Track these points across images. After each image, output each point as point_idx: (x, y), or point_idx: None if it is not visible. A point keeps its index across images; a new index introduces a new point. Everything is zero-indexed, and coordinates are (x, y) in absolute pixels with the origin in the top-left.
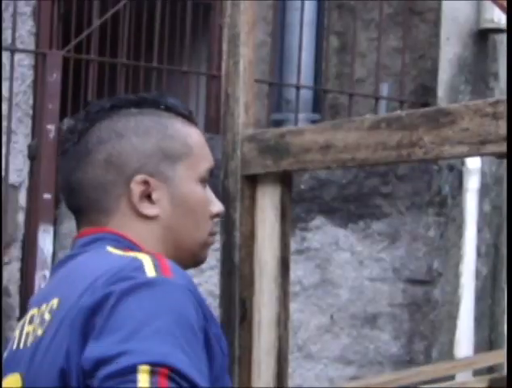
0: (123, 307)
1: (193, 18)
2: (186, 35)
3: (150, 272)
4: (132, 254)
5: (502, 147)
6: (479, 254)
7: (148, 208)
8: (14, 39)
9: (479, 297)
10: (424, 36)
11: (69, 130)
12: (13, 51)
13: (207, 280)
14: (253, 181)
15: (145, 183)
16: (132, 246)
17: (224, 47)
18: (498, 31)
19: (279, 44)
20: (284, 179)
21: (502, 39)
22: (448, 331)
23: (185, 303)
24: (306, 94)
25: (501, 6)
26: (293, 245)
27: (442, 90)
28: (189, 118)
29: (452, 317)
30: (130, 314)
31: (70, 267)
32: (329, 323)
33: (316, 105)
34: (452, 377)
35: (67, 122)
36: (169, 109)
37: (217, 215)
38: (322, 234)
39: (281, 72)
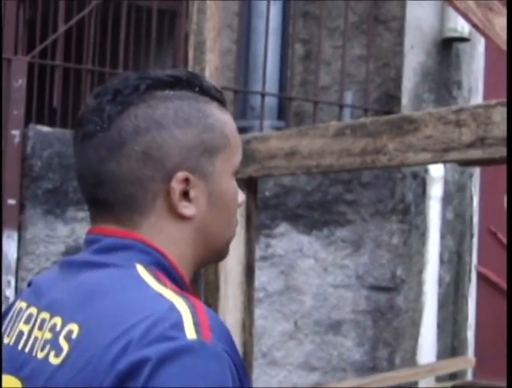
0: (161, 380)
1: (158, 24)
2: (151, 42)
3: (190, 332)
4: (168, 296)
5: (465, 154)
6: (442, 261)
7: (186, 208)
8: None
9: (442, 304)
10: (388, 45)
11: (94, 111)
12: None
13: None
14: None
15: (186, 180)
16: (163, 263)
17: (190, 53)
18: (461, 40)
19: (244, 52)
20: (250, 186)
21: (465, 48)
22: (411, 338)
23: (224, 373)
24: (271, 102)
25: (463, 15)
26: (258, 251)
27: (406, 99)
28: (223, 103)
29: (415, 324)
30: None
31: (92, 282)
32: (293, 330)
33: (282, 112)
34: (415, 384)
35: (32, 128)
36: (204, 92)
37: (240, 205)
38: (287, 240)
39: (246, 79)
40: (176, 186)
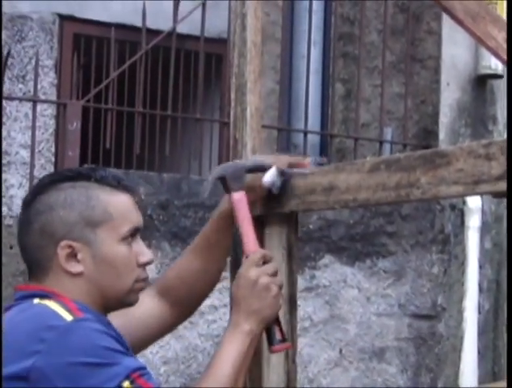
0: None
1: (206, 68)
2: (199, 85)
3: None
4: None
5: (495, 187)
6: (481, 289)
7: (73, 267)
8: (36, 90)
9: (482, 331)
10: (425, 82)
11: (23, 201)
12: (35, 101)
13: (222, 317)
14: (260, 222)
15: (69, 246)
16: (52, 296)
17: (232, 95)
18: (496, 76)
19: (287, 92)
20: (290, 220)
21: (499, 84)
22: (453, 364)
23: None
24: (313, 139)
25: (494, 53)
26: (303, 283)
27: (443, 134)
28: (117, 186)
29: (456, 350)
30: None
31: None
32: (339, 357)
33: (324, 149)
34: None
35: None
36: (98, 181)
37: (147, 263)
38: (331, 271)
39: (289, 118)
40: (60, 251)
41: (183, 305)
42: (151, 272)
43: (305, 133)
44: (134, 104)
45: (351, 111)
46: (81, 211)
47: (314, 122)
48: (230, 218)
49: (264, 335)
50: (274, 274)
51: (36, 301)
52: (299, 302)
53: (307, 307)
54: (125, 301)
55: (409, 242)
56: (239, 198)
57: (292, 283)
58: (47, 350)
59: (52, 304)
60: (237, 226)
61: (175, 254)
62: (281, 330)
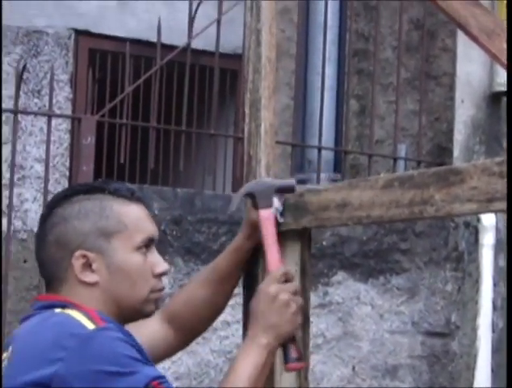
0: None
1: (220, 84)
2: (213, 100)
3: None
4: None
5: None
6: (495, 307)
7: (88, 277)
8: (51, 104)
9: (495, 349)
10: (439, 99)
11: (40, 216)
12: (50, 116)
13: (234, 333)
14: None
15: (84, 256)
16: (70, 305)
17: (247, 111)
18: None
19: (301, 108)
20: (303, 236)
21: None
22: (466, 382)
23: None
24: (328, 155)
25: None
26: (316, 299)
27: (457, 151)
28: (130, 198)
29: (470, 368)
30: None
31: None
32: (351, 375)
33: (338, 165)
34: None
35: None
36: (112, 193)
37: (162, 274)
38: (344, 288)
39: (304, 134)
40: (75, 261)
41: (187, 330)
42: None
43: (319, 149)
44: (149, 119)
45: (365, 128)
46: (95, 221)
47: (328, 138)
48: (244, 253)
49: (279, 352)
50: (295, 293)
51: (58, 310)
52: (312, 319)
53: (320, 324)
54: (141, 311)
55: (422, 259)
56: (266, 216)
57: (305, 299)
58: (69, 358)
59: (74, 313)
60: (261, 243)
61: (188, 269)
62: (297, 348)
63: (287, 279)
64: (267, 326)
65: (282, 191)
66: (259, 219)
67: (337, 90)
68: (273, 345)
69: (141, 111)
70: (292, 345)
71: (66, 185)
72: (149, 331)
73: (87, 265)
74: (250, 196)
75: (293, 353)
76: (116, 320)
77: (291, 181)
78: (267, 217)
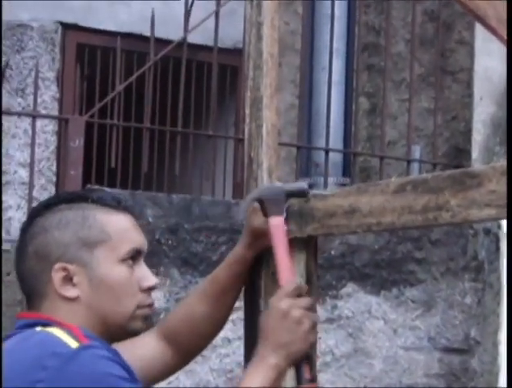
0: None
1: (219, 81)
2: (212, 99)
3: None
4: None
5: None
6: None
7: (68, 291)
8: (36, 104)
9: None
10: (456, 97)
11: (20, 226)
12: (35, 117)
13: (235, 350)
14: None
15: (64, 269)
16: (52, 323)
17: (247, 110)
18: None
19: (307, 106)
20: (309, 245)
21: None
22: None
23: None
24: (336, 158)
25: None
26: (324, 313)
27: (476, 152)
28: (117, 207)
29: (492, 387)
30: None
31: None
32: None
33: (347, 169)
34: None
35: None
36: (96, 201)
37: (150, 288)
38: (354, 301)
39: (310, 135)
40: (54, 274)
41: (186, 348)
42: (159, 301)
43: (327, 152)
44: (142, 120)
45: (376, 128)
46: (77, 231)
47: (336, 139)
48: (246, 263)
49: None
50: (309, 308)
51: (39, 328)
52: (319, 335)
53: (328, 340)
54: (128, 328)
55: (439, 269)
56: (277, 223)
57: None
58: (50, 378)
59: (56, 331)
60: (273, 253)
61: (185, 282)
62: (311, 369)
63: (300, 293)
64: (278, 345)
65: (293, 196)
66: (269, 228)
67: (346, 87)
68: (282, 366)
69: (134, 111)
70: (305, 365)
71: (53, 191)
72: (144, 350)
73: (68, 278)
74: (259, 202)
75: (306, 374)
76: (102, 338)
77: (303, 184)
78: (277, 225)
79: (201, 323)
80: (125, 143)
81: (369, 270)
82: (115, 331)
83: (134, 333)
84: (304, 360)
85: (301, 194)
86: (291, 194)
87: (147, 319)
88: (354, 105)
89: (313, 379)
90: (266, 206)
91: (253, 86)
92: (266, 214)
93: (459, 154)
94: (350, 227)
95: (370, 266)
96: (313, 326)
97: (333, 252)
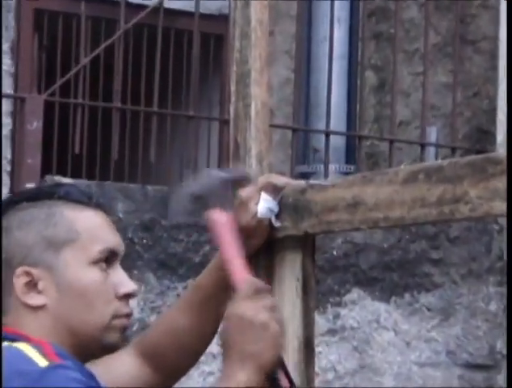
0: None
1: (202, 52)
2: (193, 74)
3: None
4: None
5: None
6: None
7: (33, 299)
8: None
9: None
10: (479, 70)
11: None
12: None
13: (221, 367)
14: (268, 247)
15: (27, 274)
16: (19, 338)
17: (233, 87)
18: None
19: (304, 82)
20: (305, 244)
21: None
22: None
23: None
24: (338, 142)
25: None
26: (325, 323)
27: (501, 135)
28: (87, 203)
29: None
30: None
31: None
32: None
33: (351, 154)
34: None
35: (50, 180)
36: (63, 197)
37: (128, 295)
38: (360, 309)
39: (307, 115)
40: (16, 280)
41: (168, 367)
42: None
43: (327, 135)
44: (111, 98)
45: (386, 107)
46: (41, 230)
47: (338, 120)
48: None
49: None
50: (272, 308)
51: (6, 344)
52: (319, 349)
53: (330, 355)
54: (102, 341)
55: (459, 271)
56: (217, 218)
57: (308, 324)
58: None
59: (24, 346)
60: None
61: (163, 288)
62: (287, 375)
63: (257, 292)
64: (245, 358)
65: (235, 184)
66: (211, 225)
67: (350, 59)
68: (255, 380)
69: (102, 88)
70: (281, 373)
71: (7, 183)
72: (122, 371)
73: (32, 285)
74: (197, 197)
75: (283, 382)
76: (72, 354)
77: (242, 169)
78: (219, 219)
79: (185, 337)
80: (92, 126)
81: (377, 273)
82: (88, 345)
83: (110, 347)
84: (277, 368)
85: (242, 179)
86: (230, 181)
87: (124, 331)
88: (359, 80)
89: (292, 384)
90: (206, 200)
91: (240, 59)
92: (207, 209)
93: (482, 137)
94: (354, 223)
95: (378, 268)
96: (281, 328)
97: (335, 252)
